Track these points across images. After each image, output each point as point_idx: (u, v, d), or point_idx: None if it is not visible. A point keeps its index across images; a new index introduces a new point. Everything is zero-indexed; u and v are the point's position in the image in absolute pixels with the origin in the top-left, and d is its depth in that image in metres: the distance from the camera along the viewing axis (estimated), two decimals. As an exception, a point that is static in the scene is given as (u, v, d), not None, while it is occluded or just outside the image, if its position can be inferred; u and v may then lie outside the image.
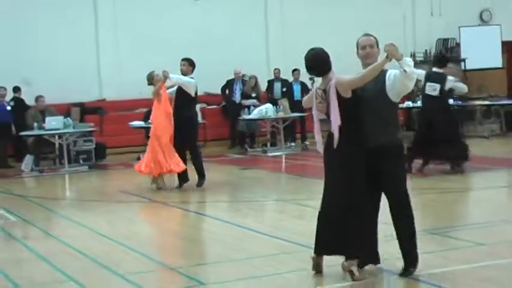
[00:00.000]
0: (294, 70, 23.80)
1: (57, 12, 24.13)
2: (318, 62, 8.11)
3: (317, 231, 8.21)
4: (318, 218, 8.26)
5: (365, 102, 7.88)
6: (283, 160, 21.04)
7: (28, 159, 20.81)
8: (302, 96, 23.73)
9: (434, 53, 28.58)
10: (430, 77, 15.87)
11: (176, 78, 15.51)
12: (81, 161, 20.99)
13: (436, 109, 15.81)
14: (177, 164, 15.23)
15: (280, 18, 26.43)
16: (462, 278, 8.10)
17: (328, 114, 7.95)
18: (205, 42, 25.04)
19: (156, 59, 23.96)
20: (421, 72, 15.12)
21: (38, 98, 21.93)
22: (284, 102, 22.54)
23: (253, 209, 13.63)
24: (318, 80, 8.26)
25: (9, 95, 22.44)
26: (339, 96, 7.80)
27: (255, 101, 23.66)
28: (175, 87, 15.64)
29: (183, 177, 15.62)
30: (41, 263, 9.92)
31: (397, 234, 8.13)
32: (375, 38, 8.24)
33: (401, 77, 7.78)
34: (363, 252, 8.01)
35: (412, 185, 14.64)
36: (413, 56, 27.92)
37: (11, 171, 21.04)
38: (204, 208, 14.13)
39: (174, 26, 25.15)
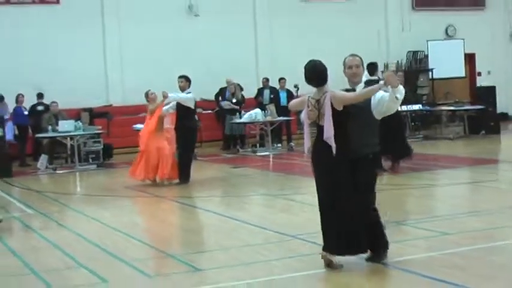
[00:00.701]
0: (281, 79, 23.87)
1: (70, 28, 24.07)
2: (316, 73, 7.95)
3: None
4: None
5: (355, 116, 7.80)
6: (271, 159, 21.02)
7: (43, 158, 20.78)
8: (288, 102, 23.78)
9: (406, 63, 28.73)
10: (368, 84, 15.81)
11: (174, 97, 15.56)
12: (90, 160, 20.98)
13: None
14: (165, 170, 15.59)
15: (268, 34, 26.43)
16: (430, 264, 8.10)
17: (317, 122, 7.87)
18: (201, 53, 25.05)
19: (156, 69, 24.12)
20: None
21: (51, 104, 21.91)
22: (271, 108, 22.54)
23: (244, 203, 13.64)
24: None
25: (28, 100, 22.42)
26: (331, 108, 7.73)
27: (229, 102, 23.63)
28: (173, 103, 15.75)
29: (184, 175, 15.69)
30: (54, 251, 9.93)
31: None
32: (360, 58, 8.18)
33: (390, 101, 7.77)
34: (341, 249, 7.89)
35: (386, 181, 14.71)
36: (386, 66, 28.04)
37: (28, 169, 21.02)
38: (200, 202, 14.11)
39: (173, 39, 25.11)
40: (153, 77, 23.47)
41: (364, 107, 7.83)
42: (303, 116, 8.23)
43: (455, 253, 8.56)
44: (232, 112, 23.19)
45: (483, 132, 24.64)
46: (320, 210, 8.03)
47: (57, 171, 20.16)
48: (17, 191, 16.91)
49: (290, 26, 26.70)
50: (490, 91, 26.01)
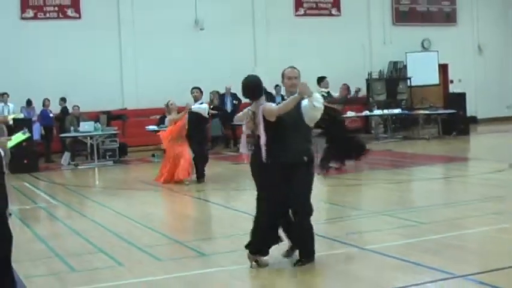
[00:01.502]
0: (276, 86, 23.82)
1: (91, 41, 24.06)
2: (250, 88, 7.77)
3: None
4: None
5: (289, 125, 7.57)
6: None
7: (66, 155, 20.82)
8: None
9: (387, 72, 28.74)
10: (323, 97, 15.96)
11: (195, 108, 15.20)
12: (107, 157, 20.98)
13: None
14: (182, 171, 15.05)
15: (265, 45, 26.41)
16: (408, 249, 8.12)
17: (253, 131, 7.71)
18: (205, 63, 25.01)
19: (167, 76, 24.13)
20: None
21: (73, 107, 21.96)
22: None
23: (243, 196, 13.61)
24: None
25: (53, 104, 22.43)
26: (265, 119, 7.53)
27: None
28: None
29: (200, 174, 15.37)
30: (76, 238, 9.95)
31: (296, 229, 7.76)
32: (298, 70, 7.93)
33: (310, 109, 7.57)
34: (263, 247, 7.72)
35: (367, 177, 14.73)
36: (370, 75, 28.08)
37: (53, 165, 21.02)
38: (205, 195, 14.10)
39: (181, 50, 25.10)
40: (164, 83, 23.52)
41: (297, 116, 7.60)
42: (244, 126, 7.96)
43: (429, 240, 8.60)
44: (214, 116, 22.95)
45: (454, 133, 24.72)
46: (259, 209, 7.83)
47: (79, 167, 20.17)
48: (43, 184, 16.90)
49: (284, 38, 26.67)
50: (461, 97, 26.08)
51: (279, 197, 7.59)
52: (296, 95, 7.46)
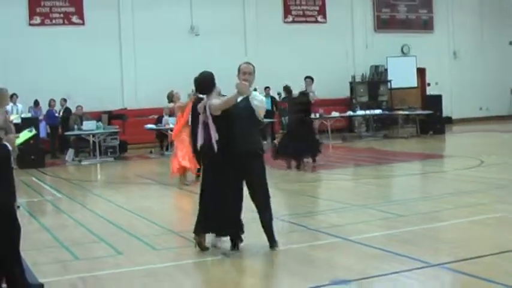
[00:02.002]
0: (266, 87, 23.84)
1: (93, 46, 24.03)
2: (200, 84, 7.96)
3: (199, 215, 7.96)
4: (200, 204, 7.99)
5: (238, 118, 7.61)
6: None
7: (70, 152, 20.80)
8: (272, 107, 23.82)
9: (369, 75, 28.77)
10: (301, 95, 16.27)
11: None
12: (108, 154, 20.97)
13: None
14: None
15: (255, 49, 26.36)
16: (388, 240, 8.15)
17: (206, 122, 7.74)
18: (199, 66, 24.66)
19: (164, 78, 24.03)
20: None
21: (77, 108, 21.91)
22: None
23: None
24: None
25: (58, 105, 22.48)
26: (211, 113, 7.62)
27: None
28: None
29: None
30: (80, 228, 9.94)
31: (263, 220, 7.84)
32: (253, 66, 7.90)
33: (254, 106, 7.62)
34: (226, 232, 7.88)
35: (351, 172, 14.76)
36: (353, 77, 28.10)
37: (58, 160, 20.98)
38: (198, 189, 14.08)
39: (178, 54, 25.07)
40: (161, 85, 23.39)
41: (247, 109, 7.61)
42: (200, 117, 7.95)
43: (407, 231, 8.61)
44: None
45: (431, 132, 24.77)
46: (202, 195, 7.92)
47: (82, 163, 20.14)
48: (49, 179, 16.86)
49: (274, 43, 26.70)
50: (437, 99, 26.13)
51: (232, 187, 7.68)
52: (235, 92, 7.45)
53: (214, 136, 7.58)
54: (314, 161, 16.27)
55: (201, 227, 7.89)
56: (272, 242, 7.81)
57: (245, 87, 7.45)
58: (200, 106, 7.95)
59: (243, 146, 7.60)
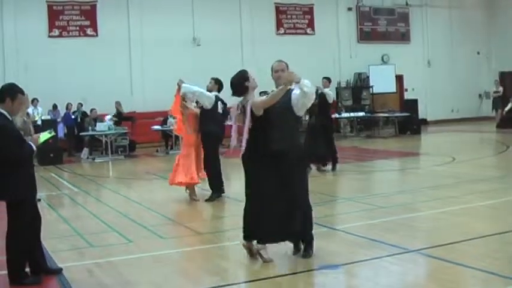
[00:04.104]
0: (261, 92, 23.62)
1: (105, 54, 23.99)
2: (234, 84, 6.82)
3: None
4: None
5: (276, 115, 6.55)
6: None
7: (85, 150, 20.75)
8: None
9: (353, 82, 28.78)
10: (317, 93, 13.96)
11: (188, 87, 10.88)
12: (119, 152, 20.92)
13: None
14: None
15: (251, 58, 26.35)
16: (370, 229, 8.16)
17: (243, 124, 6.67)
18: (200, 73, 24.70)
19: (169, 84, 23.74)
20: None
21: (91, 110, 21.88)
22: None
23: (234, 185, 13.62)
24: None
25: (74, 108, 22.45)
26: (252, 113, 6.58)
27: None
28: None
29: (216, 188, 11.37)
30: (94, 219, 9.94)
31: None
32: (285, 63, 6.92)
33: (301, 97, 6.56)
34: (266, 237, 6.71)
35: (337, 168, 14.73)
36: (339, 84, 28.11)
37: (74, 158, 20.95)
38: (202, 184, 14.11)
39: (182, 62, 24.99)
40: (167, 90, 23.27)
41: (286, 106, 6.61)
42: (233, 118, 6.87)
43: (388, 221, 8.64)
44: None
45: (409, 132, 24.84)
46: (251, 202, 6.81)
47: (95, 160, 20.12)
48: (66, 175, 16.83)
49: (267, 53, 26.46)
50: (414, 102, 26.29)
51: (268, 189, 6.59)
52: (282, 86, 6.46)
53: (246, 136, 6.59)
54: (334, 169, 14.43)
55: (252, 234, 6.79)
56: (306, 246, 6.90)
57: (292, 75, 6.39)
58: (237, 107, 6.82)
59: (281, 145, 6.54)
